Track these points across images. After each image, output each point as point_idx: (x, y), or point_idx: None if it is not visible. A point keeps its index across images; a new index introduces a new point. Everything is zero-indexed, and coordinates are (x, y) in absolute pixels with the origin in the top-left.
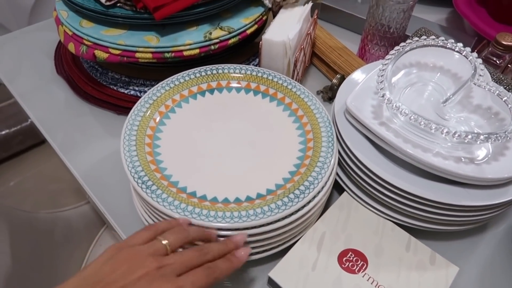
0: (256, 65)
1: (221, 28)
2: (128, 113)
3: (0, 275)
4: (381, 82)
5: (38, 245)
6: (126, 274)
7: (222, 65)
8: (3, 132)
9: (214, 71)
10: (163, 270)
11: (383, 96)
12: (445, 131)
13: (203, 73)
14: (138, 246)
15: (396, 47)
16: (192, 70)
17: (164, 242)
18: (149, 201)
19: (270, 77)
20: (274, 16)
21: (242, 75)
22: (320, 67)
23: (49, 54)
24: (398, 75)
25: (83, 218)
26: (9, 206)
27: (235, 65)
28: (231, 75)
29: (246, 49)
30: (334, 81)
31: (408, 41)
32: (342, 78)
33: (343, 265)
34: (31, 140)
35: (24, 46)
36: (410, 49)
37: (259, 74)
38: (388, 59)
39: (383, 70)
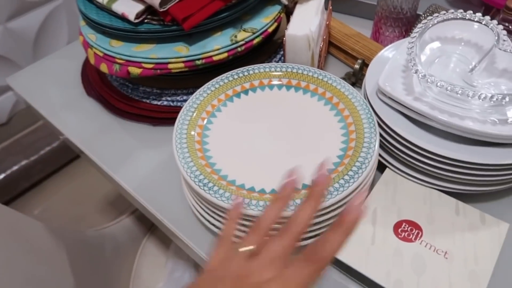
0: (277, 61)
1: (244, 30)
2: (163, 123)
3: None
4: (412, 59)
5: (92, 261)
6: None
7: (264, 65)
8: (23, 163)
9: (256, 71)
10: (253, 278)
11: (416, 72)
12: (482, 96)
13: (245, 73)
14: (220, 269)
15: (419, 25)
16: (236, 70)
17: (242, 249)
18: (201, 193)
19: (299, 71)
20: (288, 13)
21: (282, 73)
22: (338, 55)
23: (73, 80)
24: (423, 51)
25: (126, 231)
26: (63, 227)
27: (275, 64)
28: (272, 73)
29: (264, 48)
30: (356, 66)
31: (429, 18)
32: (363, 63)
33: (399, 236)
34: (50, 167)
35: (46, 76)
36: (432, 25)
37: (294, 70)
38: (414, 37)
39: (411, 48)
